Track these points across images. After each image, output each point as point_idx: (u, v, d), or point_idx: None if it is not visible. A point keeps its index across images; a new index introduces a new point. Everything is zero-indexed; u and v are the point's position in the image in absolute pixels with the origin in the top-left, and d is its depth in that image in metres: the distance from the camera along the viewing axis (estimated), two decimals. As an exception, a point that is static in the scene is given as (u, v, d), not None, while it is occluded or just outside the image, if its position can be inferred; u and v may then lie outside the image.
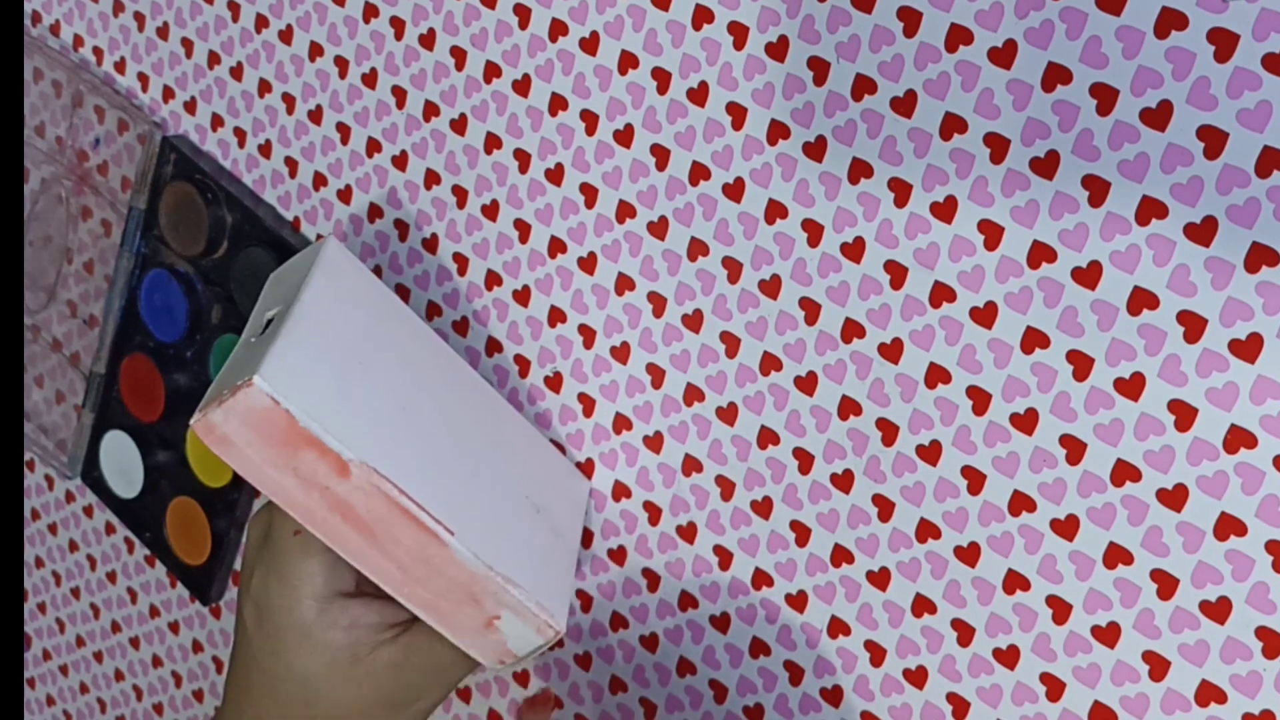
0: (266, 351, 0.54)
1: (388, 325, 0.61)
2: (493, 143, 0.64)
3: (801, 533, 0.59)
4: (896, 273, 0.55)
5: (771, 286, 0.58)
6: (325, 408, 0.55)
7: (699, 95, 0.58)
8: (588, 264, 0.62)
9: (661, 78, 0.59)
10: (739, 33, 0.57)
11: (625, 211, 0.61)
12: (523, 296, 0.65)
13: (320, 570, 0.58)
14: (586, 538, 0.65)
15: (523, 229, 0.64)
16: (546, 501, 0.62)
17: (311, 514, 0.55)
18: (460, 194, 0.66)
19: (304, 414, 0.53)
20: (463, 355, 0.68)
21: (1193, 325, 0.49)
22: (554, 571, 0.60)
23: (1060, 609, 0.53)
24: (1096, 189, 0.50)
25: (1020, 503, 0.53)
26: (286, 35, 0.71)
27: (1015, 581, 0.54)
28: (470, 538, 0.56)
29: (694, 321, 0.60)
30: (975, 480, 0.54)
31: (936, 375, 0.54)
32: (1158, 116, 0.48)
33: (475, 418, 0.62)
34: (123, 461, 0.82)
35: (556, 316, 0.64)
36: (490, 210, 0.65)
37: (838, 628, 0.59)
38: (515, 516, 0.60)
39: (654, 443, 0.62)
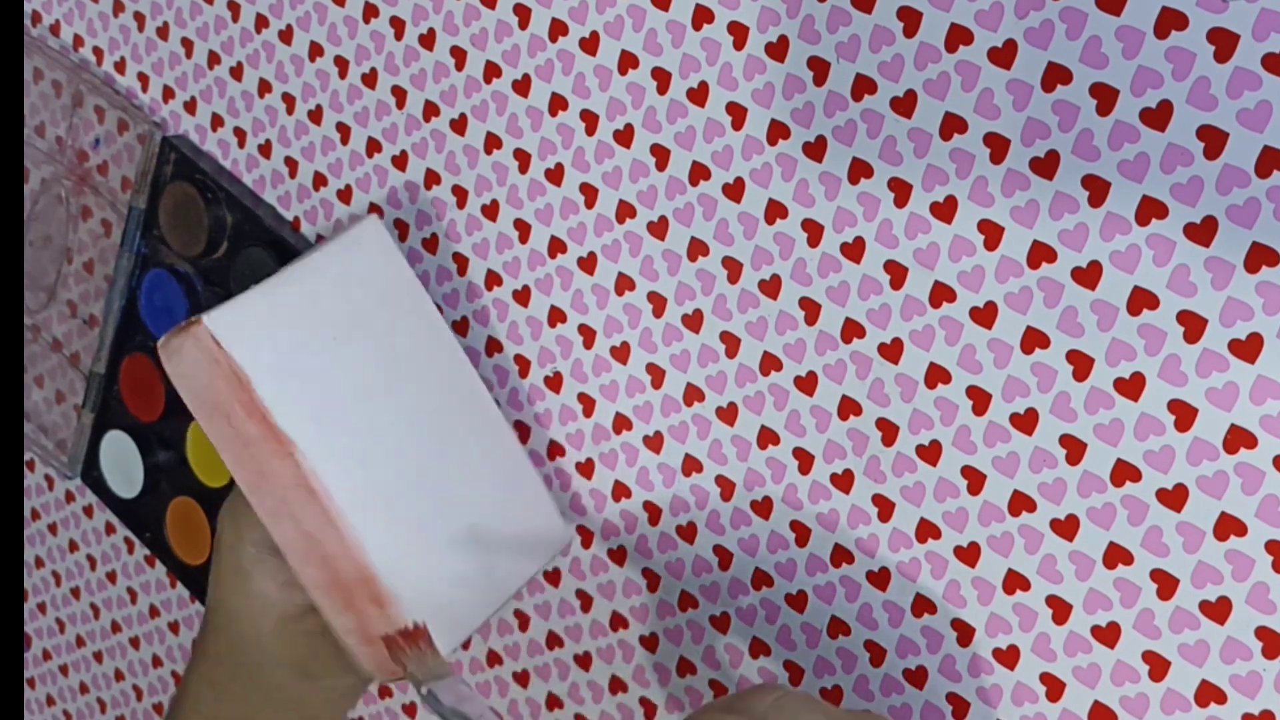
0: (233, 299, 0.56)
1: (390, 315, 0.60)
2: (493, 143, 0.64)
3: (801, 533, 0.59)
4: (896, 273, 0.55)
5: (771, 286, 0.58)
6: (269, 367, 0.55)
7: (699, 95, 0.58)
8: (588, 264, 0.62)
9: (661, 78, 0.59)
10: (739, 33, 0.57)
11: (625, 211, 0.61)
12: (523, 296, 0.65)
13: (264, 530, 0.59)
14: (586, 538, 0.65)
15: (523, 229, 0.64)
16: (495, 535, 0.61)
17: (237, 463, 0.56)
18: (460, 194, 0.66)
19: (244, 364, 0.54)
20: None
21: (1193, 325, 0.49)
22: (463, 604, 0.59)
23: (1060, 609, 0.53)
24: (1096, 189, 0.50)
25: (1020, 503, 0.53)
26: (286, 35, 0.71)
27: (1015, 581, 0.54)
28: (371, 541, 0.55)
29: (694, 321, 0.60)
30: (975, 480, 0.54)
31: (936, 375, 0.54)
32: (1158, 116, 0.48)
33: (452, 432, 0.61)
34: (123, 461, 0.82)
35: (556, 316, 0.64)
36: (490, 210, 0.65)
37: (838, 628, 0.59)
38: (441, 538, 0.59)
39: (654, 443, 0.62)
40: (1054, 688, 0.54)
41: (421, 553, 0.58)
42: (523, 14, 0.62)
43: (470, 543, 0.60)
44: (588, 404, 0.64)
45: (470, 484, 0.61)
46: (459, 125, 0.65)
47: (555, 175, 0.63)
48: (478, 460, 0.62)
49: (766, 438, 0.59)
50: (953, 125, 0.52)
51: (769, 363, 0.58)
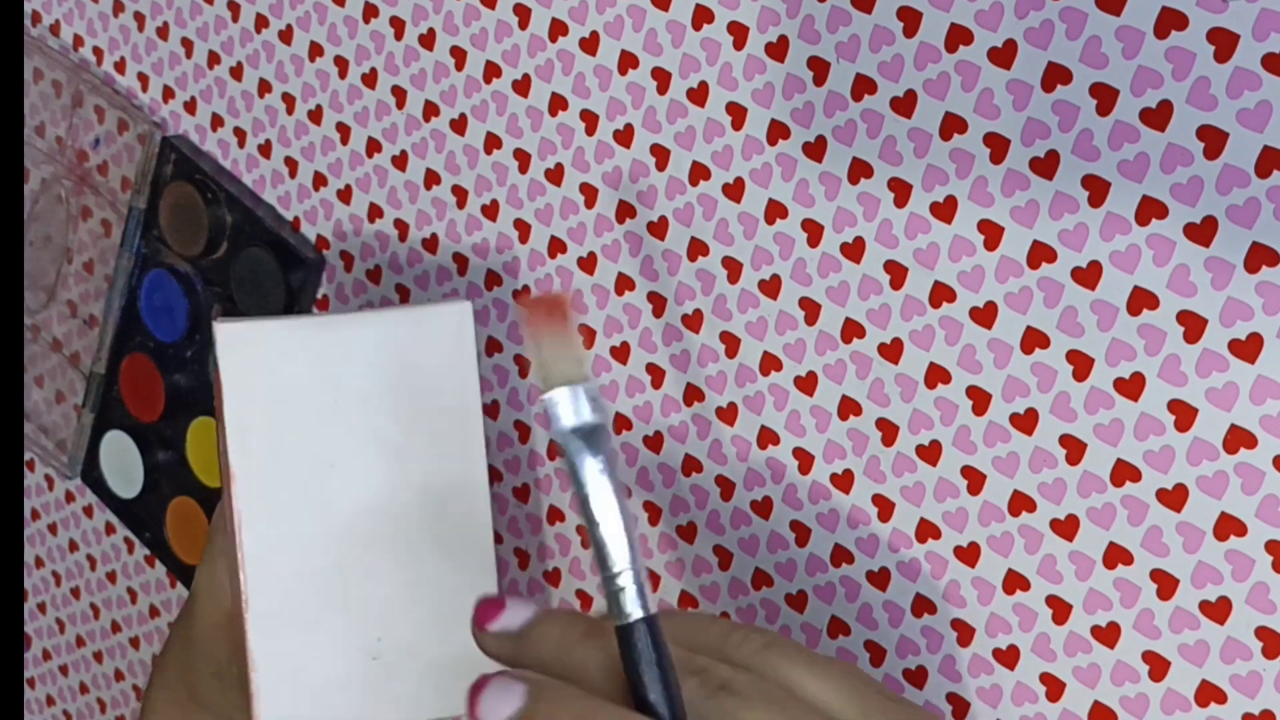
0: (263, 319, 0.57)
1: (416, 408, 0.58)
2: (493, 143, 0.64)
3: (801, 533, 0.59)
4: (896, 273, 0.55)
5: (771, 286, 0.58)
6: (249, 394, 0.56)
7: (699, 95, 0.58)
8: (587, 264, 0.62)
9: (661, 78, 0.59)
10: (739, 33, 0.57)
11: (625, 211, 0.61)
12: (522, 296, 0.65)
13: None
14: (586, 538, 0.65)
15: (522, 229, 0.64)
16: (407, 662, 0.58)
17: (222, 469, 0.58)
18: (460, 194, 0.66)
19: (226, 379, 0.56)
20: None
21: (1193, 325, 0.49)
22: (333, 707, 0.58)
23: (1060, 609, 0.53)
24: (1096, 189, 0.50)
25: (1020, 503, 0.53)
26: (286, 35, 0.71)
27: (1015, 581, 0.54)
28: (259, 606, 0.56)
29: (694, 321, 0.60)
30: (975, 480, 0.54)
31: (936, 375, 0.54)
32: (1158, 116, 0.48)
33: (422, 549, 0.58)
34: (122, 461, 0.82)
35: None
36: (490, 210, 0.65)
37: (838, 628, 0.59)
38: (341, 638, 0.57)
39: (654, 442, 0.62)
40: (1054, 688, 0.54)
41: (307, 640, 0.57)
42: (522, 14, 0.62)
43: (371, 658, 0.58)
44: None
45: (409, 606, 0.58)
46: (459, 125, 0.65)
47: (555, 175, 0.63)
48: (433, 588, 0.58)
49: (767, 437, 0.59)
50: (953, 125, 0.52)
51: (769, 362, 0.58)
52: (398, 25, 0.66)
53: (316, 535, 0.57)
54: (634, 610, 0.43)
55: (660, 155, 0.60)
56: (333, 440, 0.57)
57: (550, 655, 0.46)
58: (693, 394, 0.61)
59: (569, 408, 0.44)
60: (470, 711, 0.44)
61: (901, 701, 0.47)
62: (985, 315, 0.53)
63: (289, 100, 0.71)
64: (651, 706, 0.42)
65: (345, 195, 0.70)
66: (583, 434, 0.44)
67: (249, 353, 0.56)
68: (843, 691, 0.46)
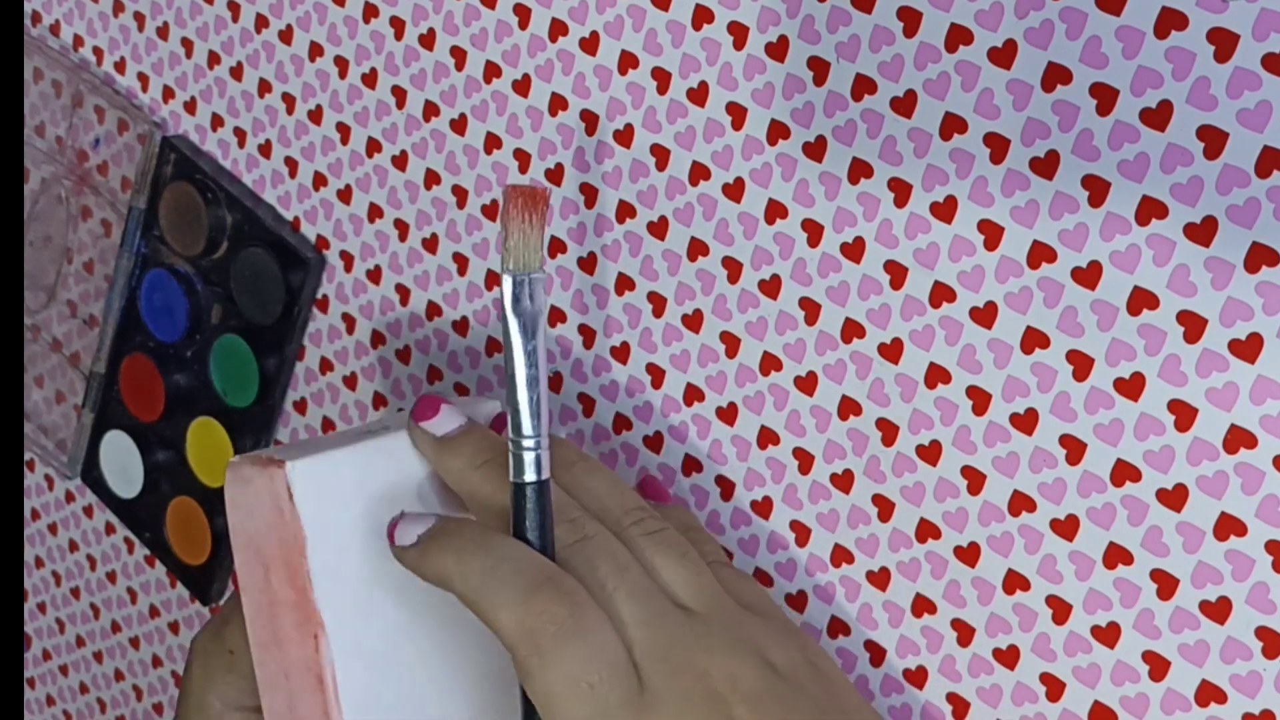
0: (324, 451, 0.52)
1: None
2: (493, 143, 0.64)
3: (801, 533, 0.59)
4: (896, 273, 0.55)
5: (771, 286, 0.58)
6: (329, 539, 0.51)
7: (699, 95, 0.58)
8: (587, 264, 0.62)
9: (661, 78, 0.59)
10: (739, 33, 0.57)
11: (625, 211, 0.61)
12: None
13: (235, 684, 0.58)
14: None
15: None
16: None
17: (256, 615, 0.53)
18: (460, 194, 0.66)
19: (308, 528, 0.51)
20: (462, 355, 0.68)
21: (1192, 325, 0.49)
22: None
23: (1060, 609, 0.53)
24: (1096, 189, 0.50)
25: (1020, 503, 0.53)
26: (286, 35, 0.71)
27: (1015, 581, 0.54)
28: None
29: (694, 322, 0.60)
30: (975, 480, 0.54)
31: (936, 375, 0.54)
32: (1157, 116, 0.48)
33: (466, 670, 0.56)
34: (122, 461, 0.82)
35: (556, 317, 0.64)
36: (491, 211, 0.65)
37: (838, 628, 0.59)
38: None
39: (654, 442, 0.62)
40: (1054, 688, 0.54)
41: None
42: (522, 14, 0.62)
43: None
44: (587, 404, 0.64)
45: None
46: (459, 125, 0.65)
47: (555, 175, 0.63)
48: (476, 706, 0.57)
49: (767, 437, 0.59)
50: (953, 125, 0.52)
51: (769, 362, 0.58)
52: (398, 25, 0.66)
53: (397, 678, 0.54)
54: (531, 475, 0.51)
55: (660, 155, 0.60)
56: (390, 565, 0.53)
57: (456, 468, 0.54)
58: (693, 394, 0.61)
59: (523, 291, 0.52)
60: (389, 536, 0.52)
61: (748, 616, 0.53)
62: (985, 315, 0.53)
63: (289, 100, 0.71)
64: (527, 541, 0.51)
65: (345, 195, 0.70)
66: (525, 317, 0.52)
67: (327, 489, 0.52)
68: (694, 588, 0.52)
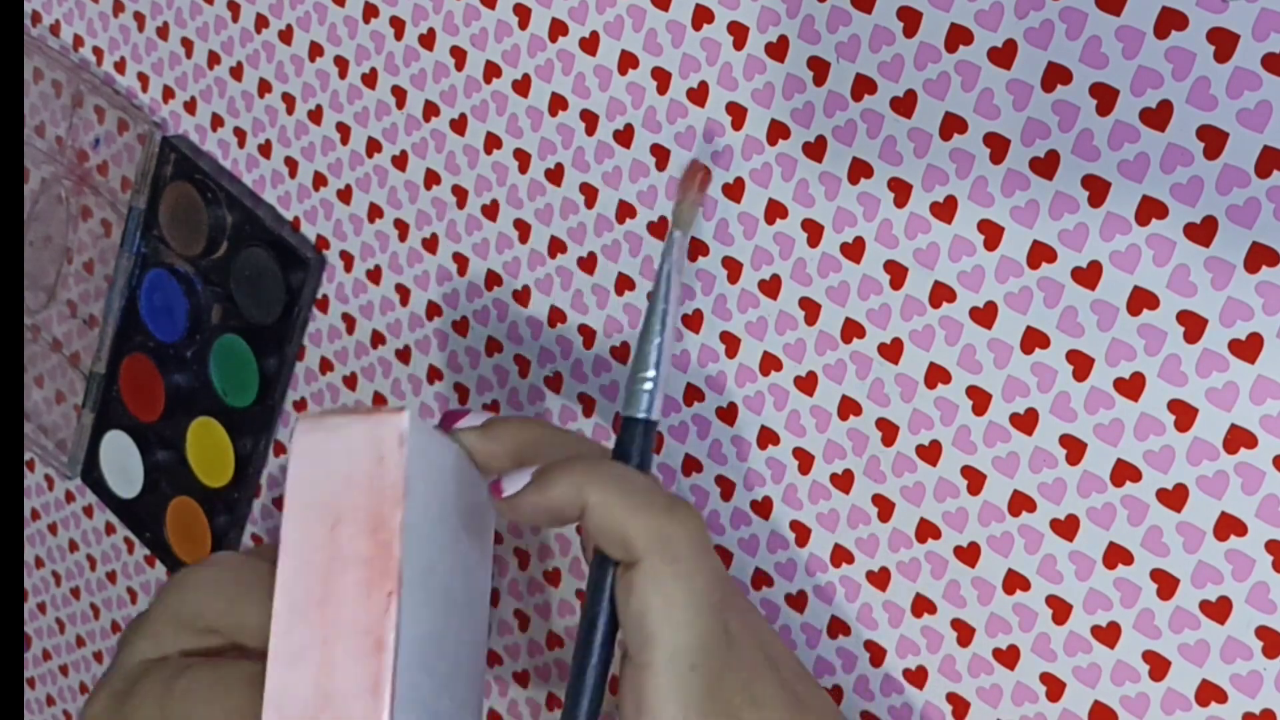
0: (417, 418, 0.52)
1: (476, 503, 0.57)
2: (493, 142, 0.64)
3: (801, 532, 0.59)
4: (896, 273, 0.54)
5: (771, 286, 0.58)
6: (423, 496, 0.50)
7: (699, 95, 0.58)
8: (587, 264, 0.62)
9: (661, 78, 0.59)
10: (739, 33, 0.57)
11: (625, 211, 0.61)
12: (523, 296, 0.65)
13: None
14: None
15: (522, 229, 0.64)
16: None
17: (300, 571, 0.49)
18: (460, 194, 0.66)
19: (411, 480, 0.49)
20: (463, 355, 0.68)
21: (1193, 325, 0.49)
22: None
23: (1060, 609, 0.53)
24: (1096, 189, 0.50)
25: (1020, 503, 0.53)
26: (286, 35, 0.70)
27: (1015, 581, 0.54)
28: None
29: (694, 322, 0.60)
30: (975, 480, 0.54)
31: (936, 375, 0.54)
32: (1158, 116, 0.48)
33: (464, 638, 0.55)
34: (122, 461, 0.82)
35: (556, 317, 0.64)
36: (490, 210, 0.65)
37: (838, 627, 0.58)
38: None
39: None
40: (1054, 688, 0.54)
41: None
42: (522, 14, 0.62)
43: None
44: (588, 404, 0.64)
45: (456, 686, 0.55)
46: (459, 125, 0.65)
47: (555, 175, 0.63)
48: (468, 669, 0.56)
49: (767, 437, 0.59)
50: (953, 125, 0.52)
51: (769, 362, 0.58)
52: (398, 25, 0.66)
53: (449, 649, 0.52)
54: (643, 411, 0.54)
55: (660, 155, 0.60)
56: (448, 545, 0.53)
57: (519, 442, 0.55)
58: (693, 394, 0.60)
59: (681, 245, 0.56)
60: (494, 491, 0.52)
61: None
62: (985, 315, 0.53)
63: (289, 100, 0.71)
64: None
65: (345, 195, 0.70)
66: (676, 267, 0.56)
67: (428, 447, 0.51)
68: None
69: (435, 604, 0.52)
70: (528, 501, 0.51)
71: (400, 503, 0.49)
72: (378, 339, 0.71)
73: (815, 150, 0.56)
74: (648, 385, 0.54)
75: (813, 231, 0.56)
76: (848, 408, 0.57)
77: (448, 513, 0.53)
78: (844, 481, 0.57)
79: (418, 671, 0.50)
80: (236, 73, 0.73)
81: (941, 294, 0.54)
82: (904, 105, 0.53)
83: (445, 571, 0.53)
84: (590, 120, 0.61)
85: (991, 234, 0.52)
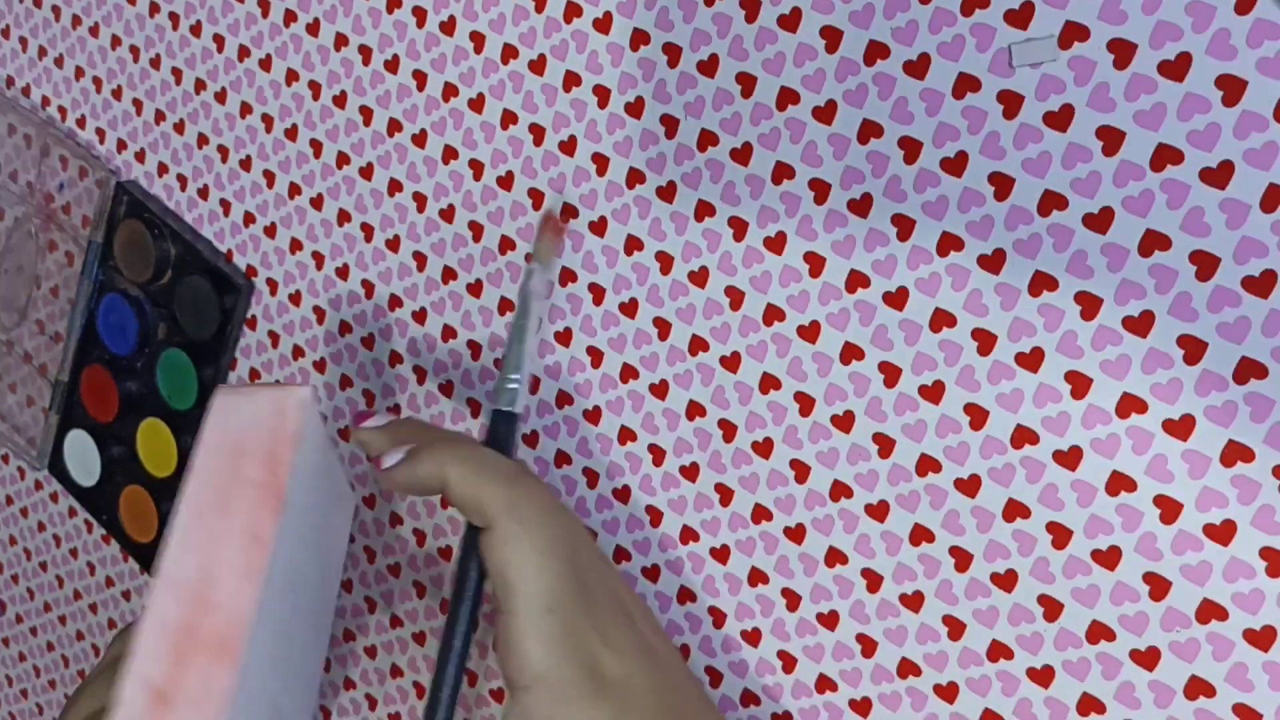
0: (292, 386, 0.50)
1: (334, 494, 0.54)
2: (395, 186, 0.59)
3: (655, 515, 0.54)
4: (735, 296, 0.50)
5: (630, 308, 0.53)
6: (305, 454, 0.48)
7: (569, 147, 0.53)
8: (475, 289, 0.57)
9: (537, 132, 0.54)
10: (603, 94, 0.52)
11: (507, 245, 0.56)
12: (421, 316, 0.60)
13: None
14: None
15: (420, 260, 0.59)
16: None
17: (199, 492, 0.47)
18: (368, 230, 0.61)
19: (304, 436, 0.48)
20: (369, 367, 0.62)
21: (984, 340, 0.45)
22: None
23: (873, 580, 0.49)
24: (904, 226, 0.46)
25: (840, 490, 0.49)
26: (221, 96, 0.65)
27: (836, 557, 0.50)
28: (253, 617, 0.44)
29: (564, 337, 0.55)
30: (802, 471, 0.50)
31: (769, 382, 0.50)
32: (955, 164, 0.44)
33: (309, 619, 0.53)
34: (83, 455, 0.76)
35: (449, 333, 0.59)
36: (393, 244, 0.60)
37: (685, 595, 0.54)
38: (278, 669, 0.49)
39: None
40: (868, 646, 0.50)
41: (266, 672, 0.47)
42: (420, 78, 0.57)
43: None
44: (475, 407, 0.59)
45: (297, 667, 0.52)
46: (366, 172, 0.60)
47: (448, 214, 0.58)
48: (308, 652, 0.53)
49: (626, 435, 0.54)
50: (783, 172, 0.48)
51: (628, 372, 0.54)
52: (315, 88, 0.61)
53: (302, 572, 0.50)
54: (517, 407, 0.51)
55: (536, 198, 0.55)
56: (315, 527, 0.51)
57: (406, 435, 0.51)
58: (563, 398, 0.56)
59: (539, 276, 0.52)
60: (375, 463, 0.49)
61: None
62: (810, 332, 0.49)
63: (223, 151, 0.65)
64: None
65: (271, 231, 0.65)
66: (536, 296, 0.52)
67: (317, 432, 0.49)
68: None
69: (305, 540, 0.50)
70: (400, 473, 0.49)
71: (294, 446, 0.48)
72: (298, 352, 0.65)
73: (667, 193, 0.51)
74: (512, 385, 0.51)
75: (664, 261, 0.52)
76: (694, 410, 0.52)
77: (320, 482, 0.52)
78: (691, 472, 0.53)
79: (285, 574, 0.48)
80: (179, 128, 0.67)
81: (773, 314, 0.49)
82: (742, 155, 0.49)
83: (313, 524, 0.52)
84: (477, 168, 0.56)
85: (815, 264, 0.48)
